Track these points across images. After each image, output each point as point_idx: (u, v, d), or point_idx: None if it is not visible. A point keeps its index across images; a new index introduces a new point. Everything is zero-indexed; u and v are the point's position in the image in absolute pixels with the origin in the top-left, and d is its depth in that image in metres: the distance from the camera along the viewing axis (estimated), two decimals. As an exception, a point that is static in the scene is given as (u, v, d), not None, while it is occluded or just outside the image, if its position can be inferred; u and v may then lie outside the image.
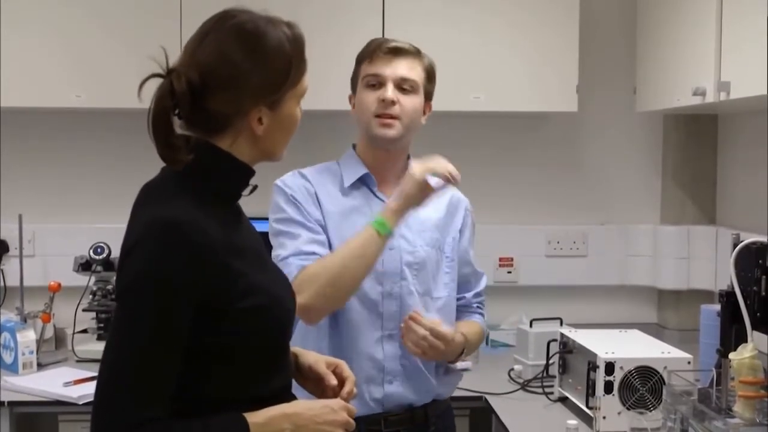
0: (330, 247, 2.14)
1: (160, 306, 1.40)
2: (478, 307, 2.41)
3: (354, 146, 2.29)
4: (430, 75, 2.25)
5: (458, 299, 2.34)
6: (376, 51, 2.18)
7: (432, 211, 2.26)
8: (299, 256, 2.08)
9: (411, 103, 2.18)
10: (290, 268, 2.04)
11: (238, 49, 1.48)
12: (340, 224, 2.17)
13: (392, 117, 2.16)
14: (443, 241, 2.27)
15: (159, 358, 1.40)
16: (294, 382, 1.71)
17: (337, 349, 2.12)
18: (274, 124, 1.53)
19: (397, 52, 2.18)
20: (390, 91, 2.15)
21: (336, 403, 1.60)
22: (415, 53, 2.21)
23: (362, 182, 2.23)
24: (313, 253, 2.08)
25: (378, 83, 2.17)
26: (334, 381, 1.70)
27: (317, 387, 1.73)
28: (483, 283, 2.42)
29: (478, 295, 2.41)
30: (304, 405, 1.56)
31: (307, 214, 2.15)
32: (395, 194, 2.07)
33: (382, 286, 2.16)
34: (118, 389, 1.39)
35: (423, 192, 2.05)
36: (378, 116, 2.16)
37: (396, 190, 2.08)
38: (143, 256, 1.42)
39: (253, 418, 1.47)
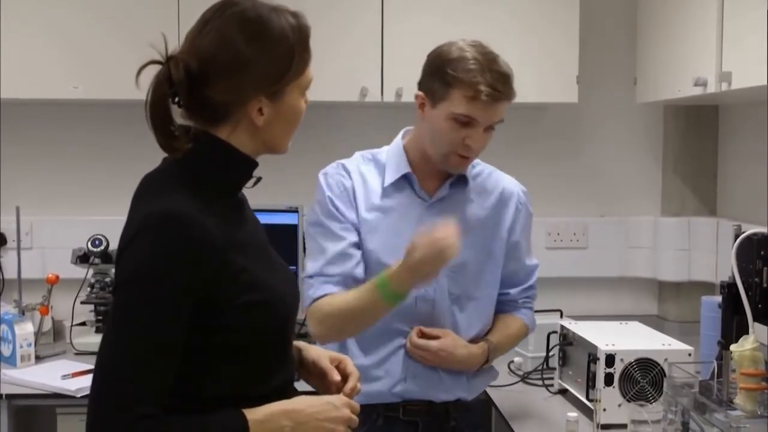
0: (362, 246, 2.13)
1: (157, 300, 1.38)
2: (524, 302, 2.33)
3: (404, 133, 2.23)
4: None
5: (504, 294, 2.28)
6: (479, 93, 2.03)
7: (478, 208, 2.22)
8: (322, 277, 2.09)
9: (489, 138, 2.12)
10: (313, 290, 2.09)
11: (240, 37, 1.45)
12: (377, 224, 2.15)
13: (470, 157, 2.13)
14: (491, 241, 2.22)
15: (156, 354, 1.38)
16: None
17: (363, 347, 2.13)
18: (275, 115, 1.50)
19: (499, 99, 2.06)
20: (481, 139, 2.08)
21: (338, 399, 1.58)
22: (512, 92, 2.10)
23: (404, 179, 2.17)
24: (337, 275, 2.09)
25: (467, 123, 2.06)
26: (337, 377, 1.68)
27: (321, 382, 1.71)
28: (533, 277, 2.34)
29: (526, 289, 2.33)
30: (305, 401, 1.54)
31: (340, 218, 2.13)
32: (404, 263, 1.93)
33: (416, 289, 2.12)
34: (115, 384, 1.37)
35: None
36: (457, 154, 2.10)
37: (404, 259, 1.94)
38: (141, 250, 1.40)
39: (253, 414, 1.45)
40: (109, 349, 1.40)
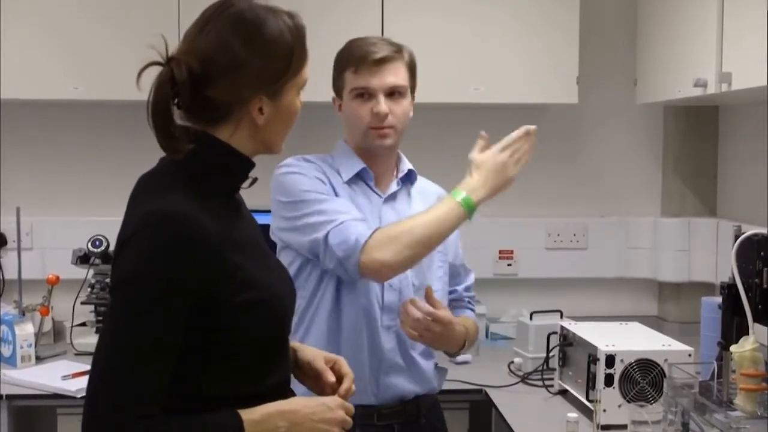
0: None
1: (154, 300, 1.38)
2: (468, 302, 2.42)
3: (340, 142, 2.28)
4: (413, 70, 2.22)
5: (452, 291, 2.35)
6: (361, 62, 2.14)
7: (423, 206, 2.25)
8: (360, 221, 2.07)
9: (402, 108, 2.18)
10: (359, 229, 2.02)
11: (238, 38, 1.47)
12: None
13: (387, 127, 2.16)
14: None
15: (154, 353, 1.39)
16: (294, 379, 1.70)
17: (335, 342, 2.12)
18: (275, 113, 1.52)
19: (382, 61, 2.14)
20: (383, 105, 2.14)
21: (333, 400, 1.58)
22: (397, 54, 2.17)
23: (359, 177, 2.23)
24: (365, 221, 2.08)
25: (368, 95, 2.15)
26: (332, 378, 1.69)
27: (316, 383, 1.71)
28: (472, 278, 2.43)
29: (468, 289, 2.42)
30: (300, 402, 1.55)
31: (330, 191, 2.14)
32: (480, 179, 2.04)
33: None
34: (112, 384, 1.37)
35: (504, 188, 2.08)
36: (373, 128, 2.16)
37: (482, 176, 2.05)
38: (138, 250, 1.40)
39: (248, 415, 1.45)
40: (107, 349, 1.40)
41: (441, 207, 2.04)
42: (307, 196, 2.11)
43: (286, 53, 1.50)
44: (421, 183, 2.34)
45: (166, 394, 1.40)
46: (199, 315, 1.42)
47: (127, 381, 1.37)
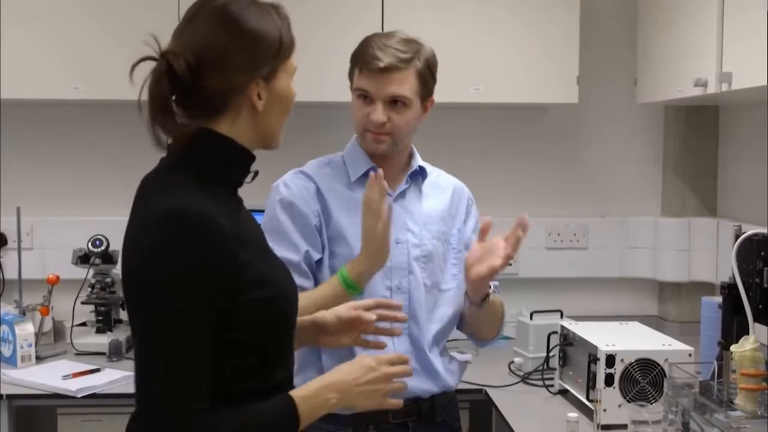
0: (332, 242, 2.13)
1: (184, 299, 1.39)
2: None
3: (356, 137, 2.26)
4: (427, 76, 2.14)
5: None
6: (366, 66, 2.10)
7: (436, 202, 2.26)
8: None
9: (403, 119, 2.12)
10: None
11: (225, 30, 1.48)
12: (348, 221, 2.14)
13: (384, 134, 2.13)
14: (449, 232, 2.26)
15: (199, 350, 1.40)
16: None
17: (348, 349, 2.10)
18: (273, 98, 1.53)
19: (386, 70, 2.08)
20: (379, 113, 2.10)
21: (373, 359, 1.61)
22: (405, 64, 2.10)
23: (366, 176, 2.18)
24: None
25: (369, 98, 2.12)
26: (372, 316, 1.74)
27: (350, 335, 1.77)
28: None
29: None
30: (342, 371, 1.58)
31: (300, 224, 2.12)
32: (362, 259, 2.02)
33: (390, 280, 2.16)
34: (160, 385, 1.39)
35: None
36: (368, 131, 2.13)
37: (364, 257, 2.02)
38: (158, 249, 1.40)
39: (298, 392, 1.51)
40: (148, 352, 1.41)
41: (328, 289, 2.02)
42: (269, 237, 2.08)
43: (274, 39, 1.52)
44: (434, 176, 2.29)
45: (212, 389, 1.42)
46: (215, 313, 1.43)
47: (178, 379, 1.39)
